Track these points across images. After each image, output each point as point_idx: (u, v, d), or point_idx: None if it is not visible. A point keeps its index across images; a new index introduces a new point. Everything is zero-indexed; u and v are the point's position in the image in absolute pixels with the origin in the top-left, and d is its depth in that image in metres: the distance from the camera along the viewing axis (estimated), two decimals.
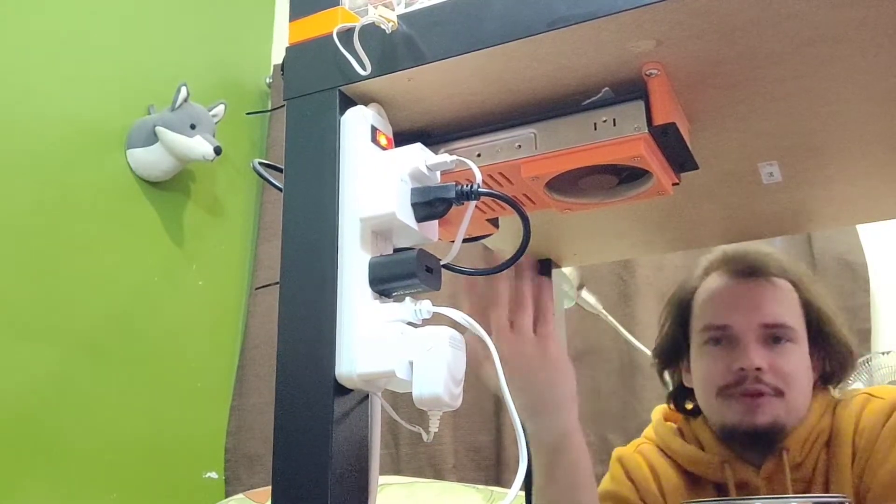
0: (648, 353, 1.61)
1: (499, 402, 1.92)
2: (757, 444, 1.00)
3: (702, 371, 1.05)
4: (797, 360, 1.01)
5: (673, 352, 1.12)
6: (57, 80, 1.86)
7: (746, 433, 0.99)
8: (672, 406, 1.13)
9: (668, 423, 1.13)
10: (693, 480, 1.06)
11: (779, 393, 0.99)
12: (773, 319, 1.01)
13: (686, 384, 1.10)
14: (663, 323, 1.14)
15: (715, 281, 1.07)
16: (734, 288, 1.04)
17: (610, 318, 1.21)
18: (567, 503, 0.93)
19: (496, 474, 1.91)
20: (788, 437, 1.00)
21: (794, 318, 1.02)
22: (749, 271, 1.04)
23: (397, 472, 1.97)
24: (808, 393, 1.02)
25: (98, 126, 1.94)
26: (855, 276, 1.74)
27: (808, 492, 0.99)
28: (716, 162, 0.78)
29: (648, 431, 1.15)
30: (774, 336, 1.01)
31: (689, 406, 1.11)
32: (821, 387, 1.06)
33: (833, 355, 1.05)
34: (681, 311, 1.10)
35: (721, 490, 1.04)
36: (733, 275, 1.05)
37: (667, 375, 1.15)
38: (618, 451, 1.14)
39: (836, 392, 1.07)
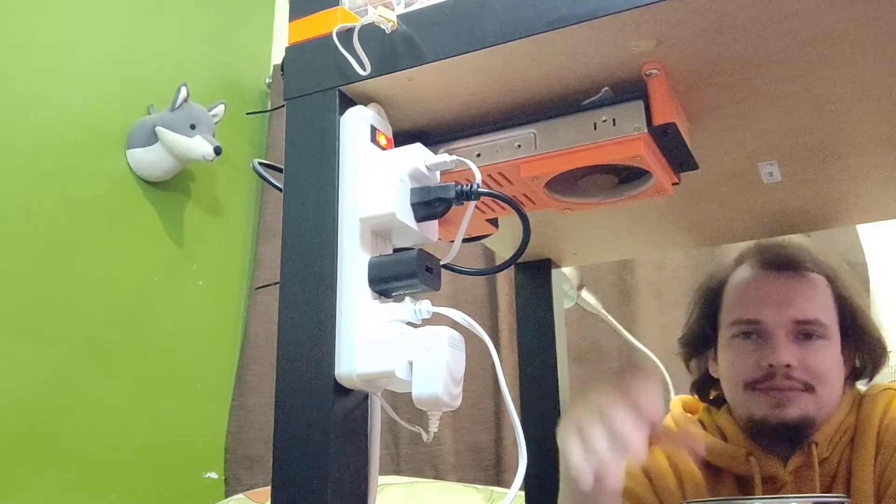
0: (649, 353, 1.60)
1: (499, 402, 1.92)
2: (785, 438, 0.98)
3: (729, 364, 1.03)
4: (828, 357, 0.99)
5: (700, 341, 1.10)
6: (57, 81, 1.85)
7: (775, 427, 0.97)
8: (695, 395, 1.12)
9: (688, 414, 1.11)
10: (714, 473, 1.04)
11: (809, 388, 0.97)
12: (805, 315, 0.99)
13: (712, 374, 1.08)
14: (691, 311, 1.12)
15: (746, 272, 1.04)
16: (766, 281, 1.02)
17: (610, 318, 1.21)
18: None
19: (496, 474, 1.91)
20: (817, 431, 0.99)
21: (826, 315, 1.00)
22: (782, 264, 1.02)
23: (397, 472, 1.97)
24: (839, 389, 1.01)
25: (98, 126, 1.94)
26: (855, 276, 1.74)
27: (833, 487, 0.98)
28: (716, 162, 0.78)
29: (668, 422, 1.13)
30: (806, 332, 0.99)
31: (713, 395, 1.09)
32: (850, 382, 1.04)
33: (866, 350, 1.04)
34: (710, 302, 1.08)
35: (742, 483, 1.02)
36: (765, 267, 1.03)
37: (692, 364, 1.13)
38: None
39: (861, 387, 1.06)
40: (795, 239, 1.07)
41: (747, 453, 1.01)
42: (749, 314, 1.01)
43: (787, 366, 0.97)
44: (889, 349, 1.68)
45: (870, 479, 0.96)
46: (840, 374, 1.01)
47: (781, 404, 0.97)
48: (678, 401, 1.15)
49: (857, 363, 1.04)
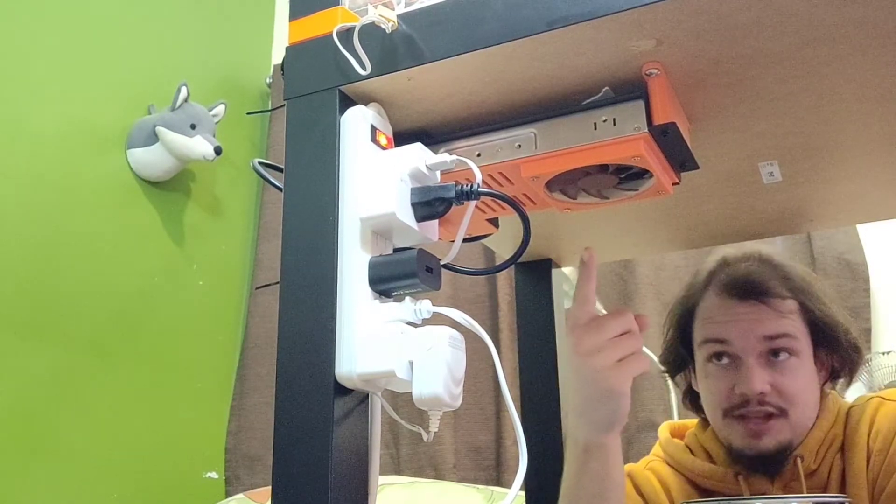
0: (648, 353, 1.60)
1: (499, 402, 1.92)
2: (765, 464, 1.00)
3: (707, 390, 1.05)
4: (801, 376, 1.00)
5: (677, 361, 1.12)
6: (57, 80, 1.86)
7: (753, 457, 0.99)
8: (688, 406, 1.14)
9: (676, 440, 1.13)
10: (705, 495, 1.05)
11: (782, 413, 0.98)
12: (775, 331, 1.00)
13: (695, 388, 1.10)
14: (666, 332, 1.13)
15: (714, 300, 1.06)
16: (733, 306, 1.03)
17: None
18: None
19: (496, 474, 1.91)
20: (801, 445, 1.00)
21: (796, 331, 1.01)
22: (749, 293, 1.03)
23: (397, 472, 1.97)
24: (814, 405, 1.02)
25: (98, 126, 1.94)
26: (855, 276, 1.74)
27: None
28: (716, 161, 0.78)
29: (657, 449, 1.14)
30: (776, 350, 1.00)
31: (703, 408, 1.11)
32: (831, 389, 1.05)
33: (841, 355, 1.05)
34: (683, 324, 1.10)
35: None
36: (732, 295, 1.04)
37: (678, 378, 1.15)
38: (627, 468, 1.12)
39: (844, 393, 1.06)
40: (764, 251, 1.07)
41: (735, 473, 1.02)
42: (717, 333, 1.03)
43: (761, 393, 0.98)
44: (888, 350, 1.69)
45: (864, 487, 0.96)
46: (814, 391, 1.02)
47: (757, 435, 0.98)
48: (666, 426, 1.17)
49: (836, 365, 1.05)
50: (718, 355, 1.02)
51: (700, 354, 1.05)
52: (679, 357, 1.11)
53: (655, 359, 1.27)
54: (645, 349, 1.46)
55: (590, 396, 0.86)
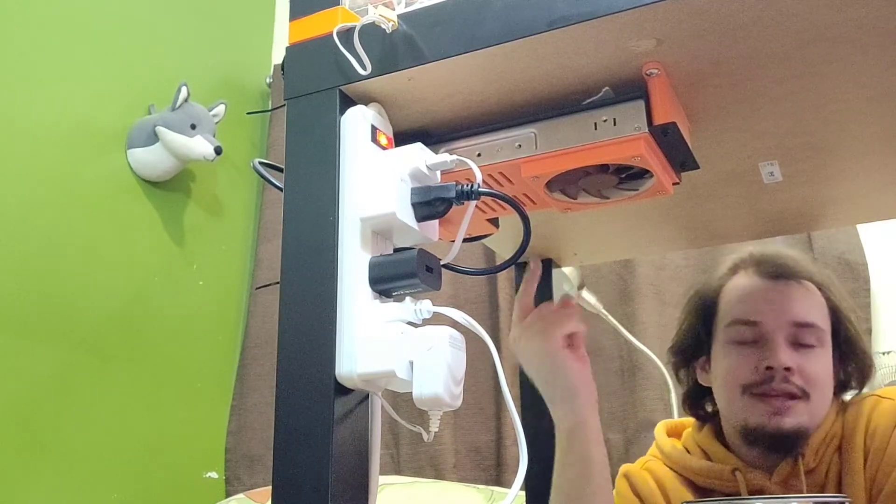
0: (649, 352, 1.60)
1: (499, 402, 1.92)
2: (779, 447, 0.99)
3: (726, 368, 1.03)
4: (823, 364, 1.01)
5: (692, 348, 1.11)
6: (57, 80, 1.85)
7: (771, 435, 0.98)
8: (687, 408, 1.13)
9: (672, 439, 1.12)
10: (702, 493, 1.05)
11: (805, 396, 0.98)
12: (805, 318, 1.00)
13: (702, 383, 1.09)
14: (683, 319, 1.12)
15: (744, 280, 1.06)
16: (764, 287, 1.03)
17: (610, 317, 1.21)
18: (576, 492, 0.93)
19: (496, 474, 1.91)
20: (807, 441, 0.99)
21: (822, 321, 1.02)
22: (779, 274, 1.03)
23: (397, 472, 1.97)
24: (830, 398, 1.02)
25: (98, 126, 1.94)
26: (855, 276, 1.74)
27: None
28: (716, 161, 0.78)
29: (653, 449, 1.14)
30: (803, 338, 1.00)
31: (704, 409, 1.10)
32: (837, 394, 1.05)
33: (853, 360, 1.05)
34: (704, 308, 1.09)
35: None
36: (763, 276, 1.04)
37: (682, 374, 1.14)
38: (624, 468, 1.13)
39: (845, 395, 1.06)
40: (787, 250, 1.09)
41: (732, 469, 1.01)
42: (749, 315, 1.02)
43: (787, 369, 0.97)
44: (888, 350, 1.69)
45: (861, 486, 0.96)
46: (831, 384, 1.02)
47: (779, 412, 0.97)
48: (662, 426, 1.17)
49: (846, 374, 1.05)
50: (744, 337, 1.02)
51: (723, 336, 1.04)
52: (695, 344, 1.10)
53: (655, 358, 1.26)
54: (645, 349, 1.46)
55: (542, 373, 0.94)
